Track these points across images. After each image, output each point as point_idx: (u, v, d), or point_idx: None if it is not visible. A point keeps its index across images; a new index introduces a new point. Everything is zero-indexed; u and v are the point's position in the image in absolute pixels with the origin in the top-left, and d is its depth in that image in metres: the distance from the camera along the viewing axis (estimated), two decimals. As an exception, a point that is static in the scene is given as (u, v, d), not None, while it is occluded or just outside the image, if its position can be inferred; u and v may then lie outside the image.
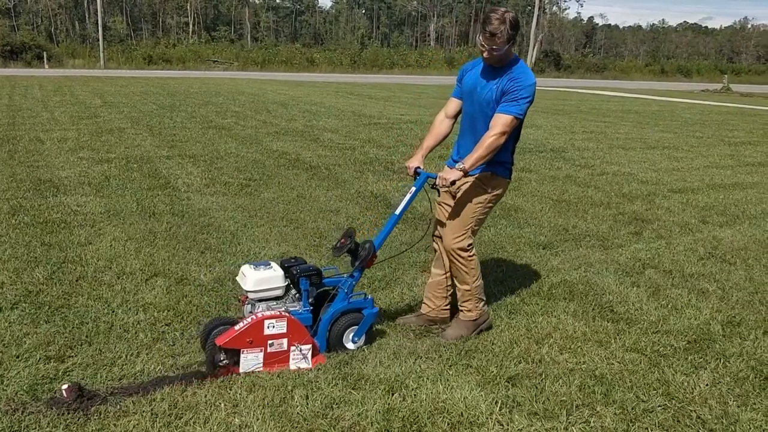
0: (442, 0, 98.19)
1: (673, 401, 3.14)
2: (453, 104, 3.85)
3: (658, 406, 3.09)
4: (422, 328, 3.94)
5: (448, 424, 2.86)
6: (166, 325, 3.74)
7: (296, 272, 3.41)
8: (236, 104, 18.35)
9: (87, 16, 77.31)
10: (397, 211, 3.62)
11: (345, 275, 3.62)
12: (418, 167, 3.74)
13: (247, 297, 3.38)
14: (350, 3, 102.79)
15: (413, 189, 3.64)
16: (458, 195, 3.71)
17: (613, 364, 3.50)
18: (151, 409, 2.86)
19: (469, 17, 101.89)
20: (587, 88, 40.56)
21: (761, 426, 2.96)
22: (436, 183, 3.55)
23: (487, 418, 2.91)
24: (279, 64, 54.99)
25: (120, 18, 79.59)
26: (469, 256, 3.74)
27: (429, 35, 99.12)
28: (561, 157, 10.78)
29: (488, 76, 3.58)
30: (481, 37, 3.43)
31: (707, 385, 3.31)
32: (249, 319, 3.20)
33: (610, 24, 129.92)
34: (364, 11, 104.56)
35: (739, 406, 3.12)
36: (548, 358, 3.53)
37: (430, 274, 4.08)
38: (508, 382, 3.24)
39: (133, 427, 2.74)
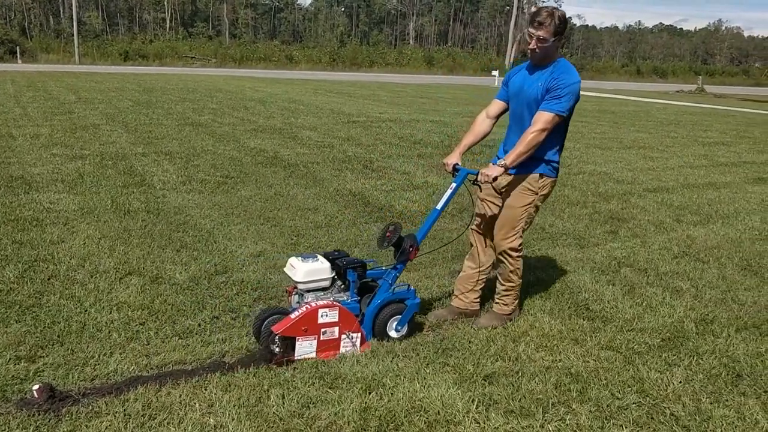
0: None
1: (648, 398, 3.18)
2: (495, 106, 3.99)
3: (633, 403, 3.12)
4: (453, 321, 4.03)
5: (425, 423, 2.86)
6: (141, 324, 3.69)
7: (343, 264, 3.56)
8: (214, 101, 18.19)
9: (61, 10, 76.05)
10: (438, 206, 3.77)
11: (383, 267, 3.82)
12: (457, 164, 3.86)
13: (295, 288, 3.55)
14: (329, 1, 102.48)
15: (453, 185, 3.79)
16: (508, 198, 3.83)
17: (588, 361, 3.53)
18: (124, 410, 2.82)
19: (448, 16, 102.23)
20: (565, 88, 40.80)
21: (733, 422, 3.00)
22: (478, 179, 3.66)
23: (463, 417, 2.92)
24: (257, 61, 54.70)
25: (95, 13, 78.43)
26: (519, 256, 3.90)
27: (408, 34, 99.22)
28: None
29: (534, 75, 3.71)
30: (529, 28, 3.57)
31: (681, 382, 3.35)
32: (304, 308, 3.34)
33: (587, 25, 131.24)
34: (343, 9, 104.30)
35: (711, 403, 3.16)
36: (525, 356, 3.55)
37: (463, 268, 4.19)
38: (485, 380, 3.24)
39: (106, 428, 2.70)
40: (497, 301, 4.04)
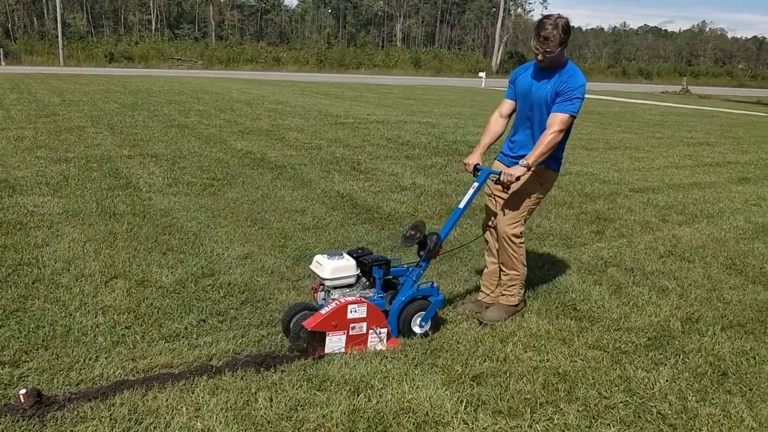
0: (409, 0, 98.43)
1: (635, 397, 3.19)
2: (507, 105, 4.11)
3: (620, 402, 3.14)
4: (480, 313, 4.14)
5: (414, 424, 2.86)
6: (126, 328, 3.66)
7: (368, 262, 3.66)
8: (200, 103, 18.11)
9: (46, 12, 75.38)
10: (461, 205, 3.86)
11: (405, 265, 3.91)
12: (478, 164, 3.99)
13: (321, 284, 3.66)
14: (316, 2, 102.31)
15: (476, 184, 3.91)
16: (514, 188, 3.94)
17: (576, 361, 3.54)
18: (110, 414, 2.79)
19: (435, 18, 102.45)
20: (551, 89, 41.03)
21: (719, 420, 3.02)
22: (501, 179, 3.76)
23: (452, 417, 2.92)
24: (244, 62, 54.53)
25: (80, 14, 77.77)
26: (520, 243, 4.06)
27: (395, 35, 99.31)
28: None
29: (541, 77, 3.84)
30: (535, 41, 3.69)
31: (667, 381, 3.37)
32: (333, 304, 3.42)
33: (573, 26, 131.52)
34: (330, 11, 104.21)
35: (697, 401, 3.18)
36: (512, 356, 3.55)
37: (486, 264, 4.35)
38: (473, 381, 3.25)
39: (91, 433, 2.67)
40: (503, 292, 4.16)
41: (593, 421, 2.97)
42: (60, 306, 3.89)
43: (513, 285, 4.11)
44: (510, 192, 3.94)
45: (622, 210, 7.36)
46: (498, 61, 68.24)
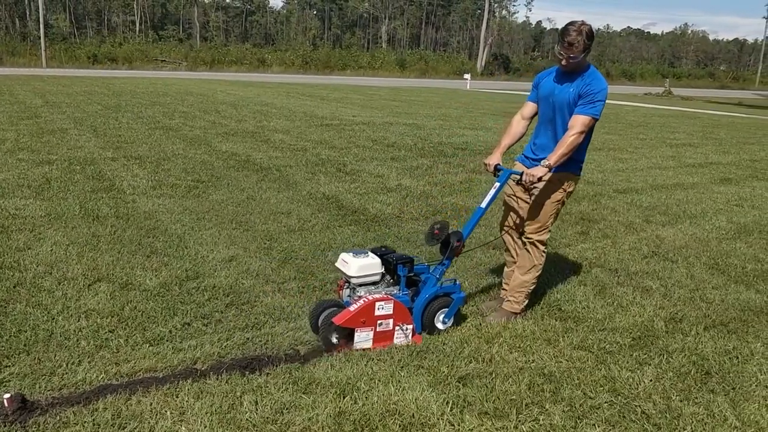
0: (394, 2, 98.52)
1: (619, 397, 3.21)
2: (529, 107, 4.19)
3: (605, 402, 3.15)
4: (484, 316, 4.22)
5: (400, 426, 2.85)
6: (110, 331, 3.62)
7: (393, 260, 3.77)
8: (184, 105, 18.00)
9: (28, 13, 74.59)
10: (483, 205, 3.93)
11: (426, 263, 4.01)
12: (498, 164, 4.05)
13: (347, 282, 3.75)
14: (301, 4, 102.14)
15: (497, 184, 3.97)
16: (536, 194, 4.04)
17: (561, 361, 3.56)
18: (93, 419, 2.76)
19: (420, 20, 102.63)
20: (536, 90, 41.24)
21: (703, 419, 3.05)
22: (523, 179, 3.83)
23: (438, 419, 2.92)
24: (229, 64, 54.33)
25: (63, 15, 77.11)
26: (544, 250, 4.15)
27: (381, 37, 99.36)
28: (510, 159, 10.92)
29: (564, 81, 3.92)
30: (559, 47, 3.77)
31: (651, 380, 3.39)
32: (362, 301, 3.51)
33: (557, 28, 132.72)
34: (315, 12, 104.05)
35: (681, 401, 3.20)
36: (498, 357, 3.56)
37: (506, 262, 4.46)
38: (459, 382, 3.25)
39: (74, 438, 2.64)
40: (509, 298, 4.20)
41: (578, 421, 2.98)
42: (42, 310, 3.84)
43: (521, 292, 4.16)
44: (533, 192, 4.04)
45: (606, 211, 7.41)
46: (483, 63, 68.52)
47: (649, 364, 3.58)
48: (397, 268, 3.76)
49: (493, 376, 3.33)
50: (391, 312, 3.55)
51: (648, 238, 6.35)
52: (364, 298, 3.55)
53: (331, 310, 3.60)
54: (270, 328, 3.78)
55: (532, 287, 4.19)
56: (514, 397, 3.14)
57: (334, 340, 3.46)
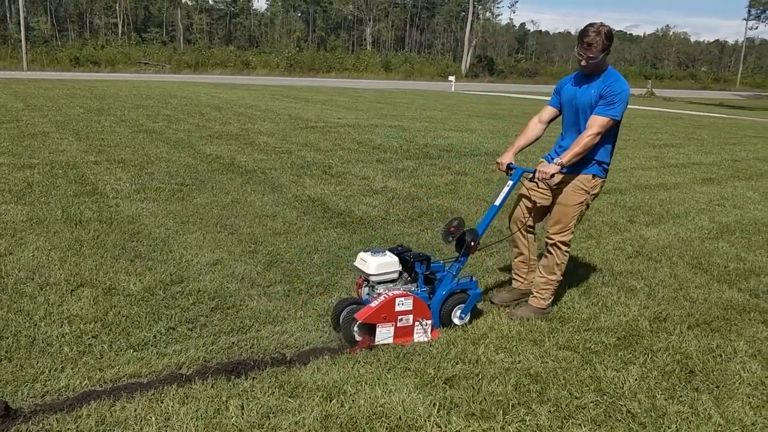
0: (378, 4, 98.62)
1: (605, 397, 3.23)
2: (548, 111, 4.31)
3: (591, 402, 3.17)
4: (517, 302, 4.38)
5: (387, 429, 2.85)
6: (93, 337, 3.58)
7: (410, 258, 3.87)
8: (168, 107, 17.89)
9: (8, 15, 73.79)
10: (497, 203, 4.03)
11: (442, 261, 4.10)
12: (511, 163, 4.16)
13: (365, 280, 3.85)
14: (286, 6, 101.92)
15: (510, 183, 4.07)
16: (561, 195, 4.12)
17: (547, 362, 3.57)
18: (77, 426, 2.73)
19: (405, 22, 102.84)
20: (520, 92, 41.55)
21: (687, 418, 3.07)
22: (535, 176, 3.95)
23: (425, 421, 2.91)
24: (213, 66, 54.06)
25: (44, 18, 76.40)
26: (567, 250, 4.24)
27: (365, 39, 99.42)
28: (495, 161, 10.96)
29: (585, 83, 4.01)
30: (578, 48, 3.84)
31: (636, 379, 3.41)
32: (382, 298, 3.61)
33: (541, 30, 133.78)
34: (299, 14, 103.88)
35: (666, 399, 3.23)
36: (485, 358, 3.57)
37: (515, 254, 4.54)
38: (446, 384, 3.25)
39: (57, 446, 2.61)
40: (535, 294, 4.27)
41: (564, 421, 2.99)
42: (24, 316, 3.79)
43: (546, 289, 4.25)
44: (546, 188, 4.14)
45: (590, 211, 7.45)
46: (467, 65, 68.75)
47: (634, 364, 3.60)
48: (414, 265, 3.87)
49: (480, 377, 3.34)
50: (411, 308, 3.64)
51: (632, 238, 6.39)
52: (384, 295, 3.64)
53: (351, 307, 3.71)
54: (256, 331, 3.76)
55: (557, 284, 4.29)
56: (500, 398, 3.15)
57: (357, 336, 3.57)
